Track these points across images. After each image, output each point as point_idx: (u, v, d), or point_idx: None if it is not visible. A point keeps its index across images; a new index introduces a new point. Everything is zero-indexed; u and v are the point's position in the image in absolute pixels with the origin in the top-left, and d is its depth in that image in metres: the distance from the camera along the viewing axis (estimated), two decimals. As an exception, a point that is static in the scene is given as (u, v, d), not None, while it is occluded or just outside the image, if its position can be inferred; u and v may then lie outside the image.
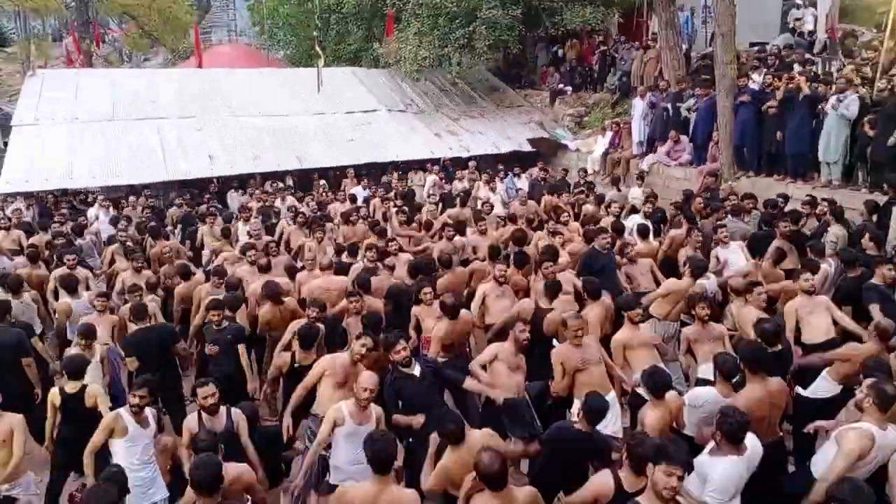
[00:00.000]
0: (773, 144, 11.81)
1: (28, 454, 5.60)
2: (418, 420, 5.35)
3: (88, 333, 6.59)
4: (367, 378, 5.14)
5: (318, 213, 12.09)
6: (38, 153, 14.60)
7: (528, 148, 17.38)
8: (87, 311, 7.60)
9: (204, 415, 5.20)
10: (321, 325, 6.70)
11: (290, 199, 13.16)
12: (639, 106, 14.93)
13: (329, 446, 5.24)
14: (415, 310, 7.17)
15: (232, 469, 4.37)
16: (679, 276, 7.69)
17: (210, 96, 17.78)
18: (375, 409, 5.16)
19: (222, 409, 5.24)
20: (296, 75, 20.26)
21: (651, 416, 4.90)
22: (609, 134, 16.02)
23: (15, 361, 6.72)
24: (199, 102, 17.43)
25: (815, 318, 6.52)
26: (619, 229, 9.29)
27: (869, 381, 4.61)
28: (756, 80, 12.42)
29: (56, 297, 8.53)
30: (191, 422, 5.25)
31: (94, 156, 14.81)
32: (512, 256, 8.29)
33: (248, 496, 4.59)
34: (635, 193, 12.19)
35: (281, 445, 5.82)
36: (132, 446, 5.21)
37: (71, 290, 8.06)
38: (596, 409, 4.81)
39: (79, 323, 7.02)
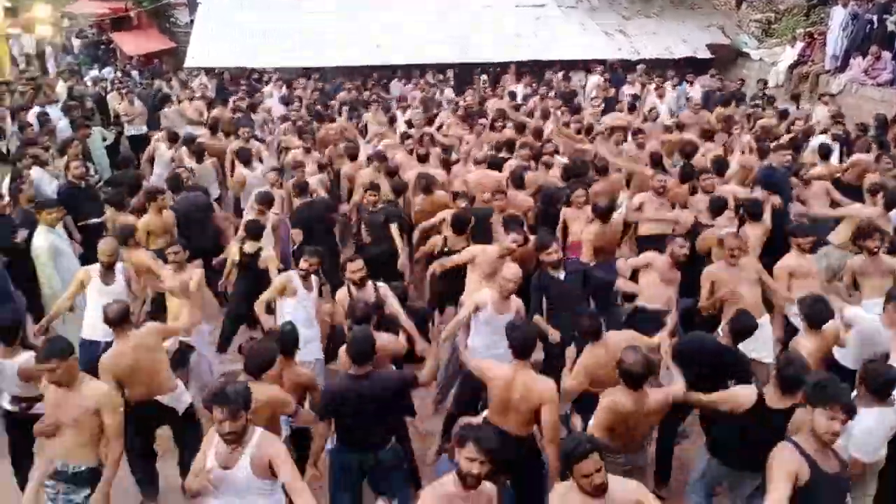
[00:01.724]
0: None
1: (205, 304, 6.24)
2: (555, 336, 5.38)
3: (266, 201, 7.05)
4: (512, 270, 5.26)
5: (479, 107, 12.00)
6: (221, 31, 15.45)
7: (704, 54, 16.19)
8: (258, 182, 8.10)
9: (353, 287, 5.47)
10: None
11: (449, 92, 13.14)
12: (839, 15, 13.35)
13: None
14: (564, 211, 7.11)
15: (379, 339, 4.58)
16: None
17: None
18: (516, 302, 5.26)
19: (369, 283, 5.47)
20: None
21: (805, 347, 4.58)
22: (799, 45, 14.54)
23: (203, 220, 7.41)
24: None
25: None
26: (797, 147, 8.67)
27: None
28: None
29: (233, 167, 9.10)
30: (341, 294, 5.53)
31: (272, 37, 15.47)
32: (678, 168, 7.99)
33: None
34: (820, 113, 11.20)
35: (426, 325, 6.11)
36: (298, 306, 5.59)
37: (245, 161, 8.61)
38: (741, 327, 4.62)
39: (253, 192, 7.46)
